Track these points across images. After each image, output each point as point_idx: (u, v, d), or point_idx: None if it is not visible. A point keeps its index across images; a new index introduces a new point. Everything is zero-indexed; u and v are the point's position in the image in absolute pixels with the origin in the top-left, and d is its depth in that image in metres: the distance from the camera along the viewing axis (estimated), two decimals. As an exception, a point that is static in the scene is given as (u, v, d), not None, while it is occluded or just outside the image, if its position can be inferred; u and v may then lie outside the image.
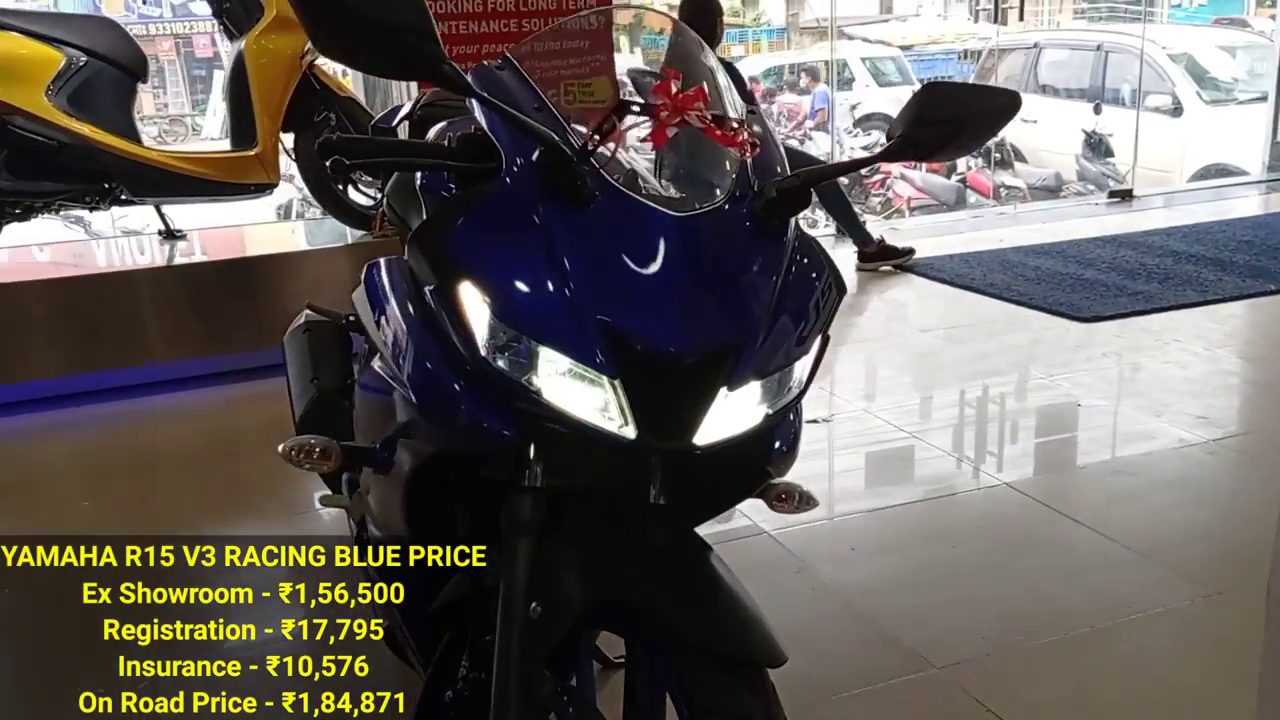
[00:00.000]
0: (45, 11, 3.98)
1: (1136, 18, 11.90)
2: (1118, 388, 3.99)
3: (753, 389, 1.39)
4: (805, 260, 1.49)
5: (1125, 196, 7.31)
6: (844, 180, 6.78)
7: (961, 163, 12.47)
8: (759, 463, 1.51)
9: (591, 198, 1.39)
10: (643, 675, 1.52)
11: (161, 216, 4.44)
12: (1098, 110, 9.58)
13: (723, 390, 1.36)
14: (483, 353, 1.36)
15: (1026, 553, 2.82)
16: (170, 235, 4.45)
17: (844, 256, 5.82)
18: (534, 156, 1.39)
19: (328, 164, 1.39)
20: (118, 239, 5.31)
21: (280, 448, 1.57)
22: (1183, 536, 2.88)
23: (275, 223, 6.89)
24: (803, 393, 1.46)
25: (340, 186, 4.26)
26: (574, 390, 1.35)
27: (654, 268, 1.37)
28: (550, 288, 1.35)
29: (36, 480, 3.49)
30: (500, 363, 1.35)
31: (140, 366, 4.10)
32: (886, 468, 3.44)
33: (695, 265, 1.38)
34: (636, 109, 1.39)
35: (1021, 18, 13.22)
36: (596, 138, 1.38)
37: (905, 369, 4.39)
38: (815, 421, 3.69)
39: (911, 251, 5.63)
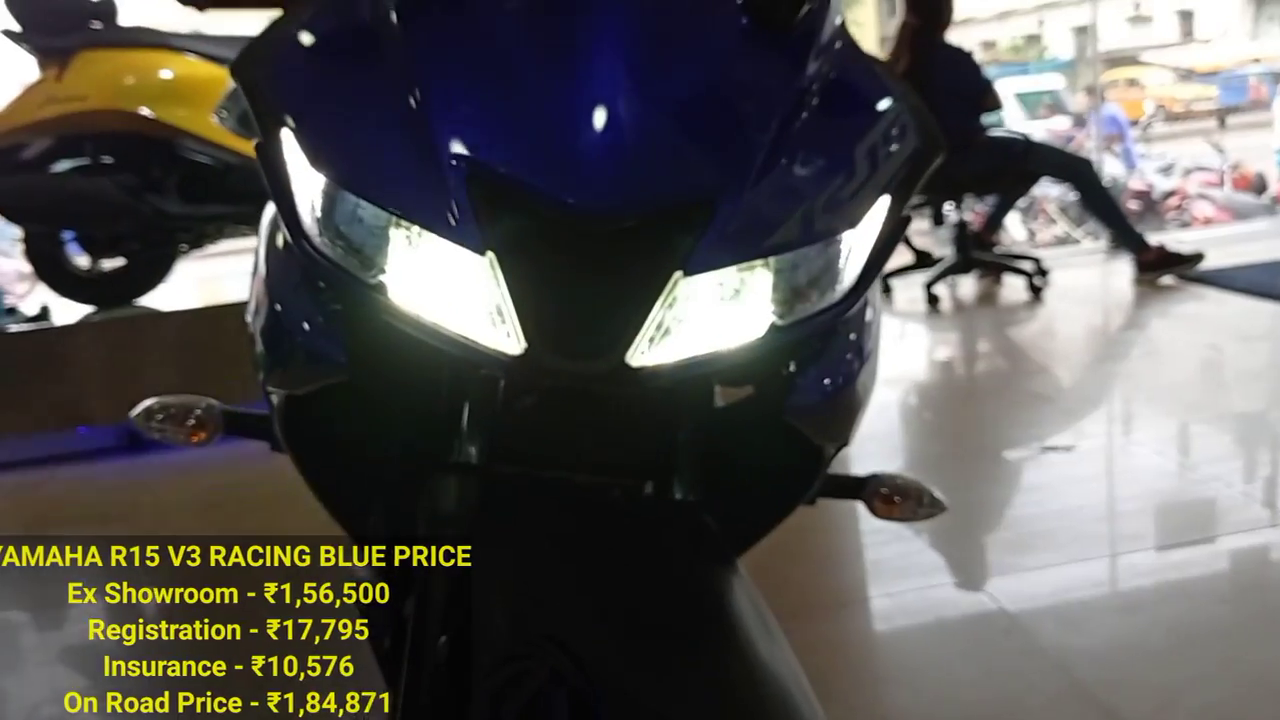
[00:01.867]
0: (219, 35, 3.86)
1: None
2: None
3: (748, 278, 0.85)
4: (851, 80, 0.94)
5: None
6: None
7: (1273, 179, 11.04)
8: (767, 410, 0.97)
9: None
10: None
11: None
12: None
13: (676, 275, 0.83)
14: (310, 235, 0.90)
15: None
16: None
17: (1119, 268, 5.01)
18: None
19: None
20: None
21: (136, 410, 1.16)
22: None
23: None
24: (851, 300, 0.91)
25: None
26: (438, 281, 0.86)
27: (563, 76, 0.86)
28: (398, 120, 0.87)
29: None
30: (334, 247, 0.88)
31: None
32: (1141, 504, 2.69)
33: (636, 72, 0.85)
34: None
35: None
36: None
37: (1179, 390, 3.57)
38: (1054, 449, 2.99)
39: (1199, 257, 4.73)
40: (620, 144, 0.83)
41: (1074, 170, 4.86)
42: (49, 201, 3.69)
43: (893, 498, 1.12)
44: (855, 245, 0.90)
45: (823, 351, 0.97)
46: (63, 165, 3.70)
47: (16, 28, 3.67)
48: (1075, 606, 2.15)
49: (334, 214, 0.89)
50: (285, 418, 1.06)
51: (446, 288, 0.86)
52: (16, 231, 4.05)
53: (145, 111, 3.64)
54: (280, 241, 1.05)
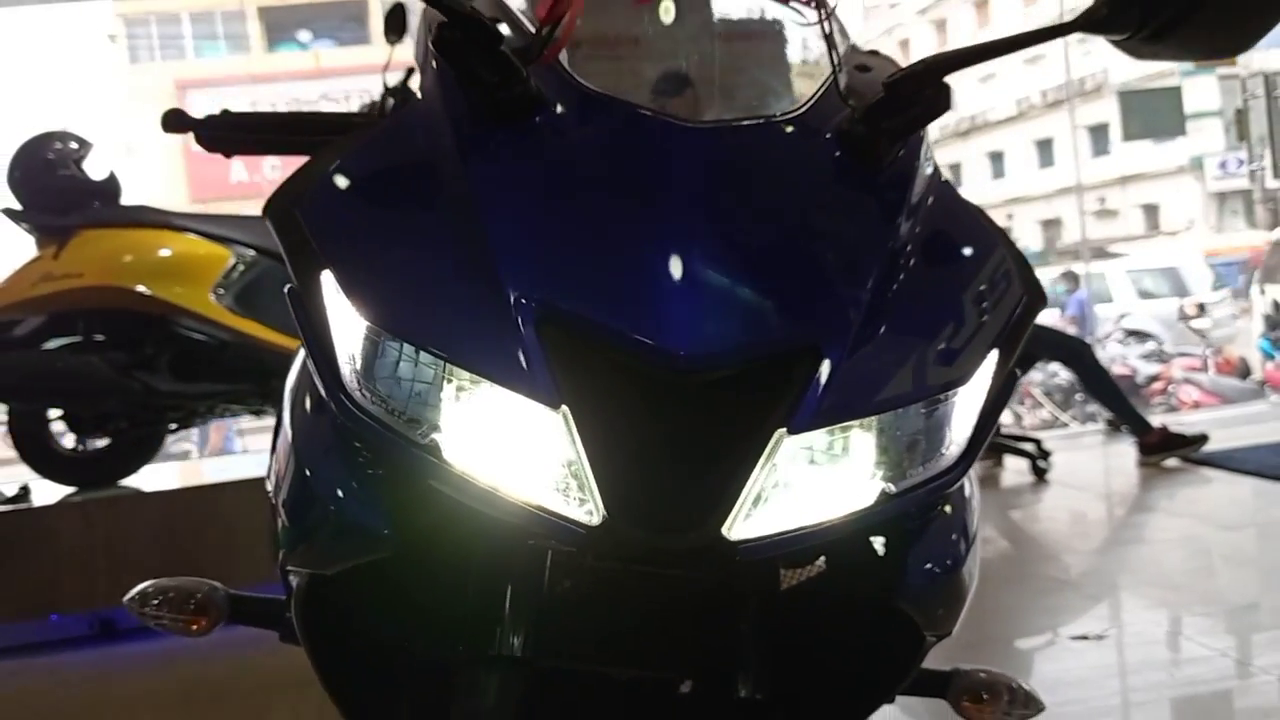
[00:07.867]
0: (221, 215, 3.85)
1: None
2: None
3: (852, 439, 0.77)
4: (950, 223, 0.89)
5: None
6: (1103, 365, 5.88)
7: (1256, 364, 11.16)
8: (878, 596, 0.89)
9: (537, 105, 0.84)
10: None
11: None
12: None
13: (779, 434, 0.75)
14: (350, 389, 0.82)
15: None
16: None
17: (1120, 450, 4.96)
18: (431, 38, 0.88)
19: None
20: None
21: (131, 594, 1.05)
22: None
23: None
24: (965, 465, 0.83)
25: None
26: (500, 441, 0.77)
27: (644, 217, 0.79)
28: (457, 261, 0.81)
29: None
30: (377, 403, 0.80)
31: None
32: (1199, 704, 2.54)
33: (723, 212, 0.79)
34: None
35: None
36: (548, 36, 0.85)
37: (1210, 575, 3.46)
38: (1084, 638, 2.84)
39: (1203, 439, 4.68)
40: (711, 288, 0.76)
41: (1073, 352, 4.86)
42: (37, 379, 3.61)
43: (981, 696, 1.02)
44: (964, 403, 0.82)
45: (928, 528, 0.88)
46: (54, 343, 3.63)
47: (17, 206, 3.64)
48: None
49: (377, 365, 0.81)
50: (306, 602, 0.94)
51: (510, 449, 0.77)
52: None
53: (141, 288, 3.59)
54: (309, 403, 0.97)
